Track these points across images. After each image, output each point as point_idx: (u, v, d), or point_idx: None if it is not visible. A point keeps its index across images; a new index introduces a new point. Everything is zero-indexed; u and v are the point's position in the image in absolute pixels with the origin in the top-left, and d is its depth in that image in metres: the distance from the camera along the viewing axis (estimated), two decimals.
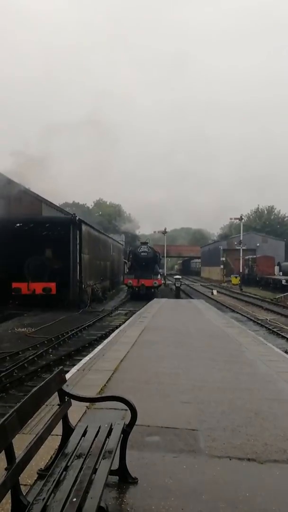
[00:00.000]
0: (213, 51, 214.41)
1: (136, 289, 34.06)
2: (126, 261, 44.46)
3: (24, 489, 3.35)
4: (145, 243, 38.32)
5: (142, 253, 36.32)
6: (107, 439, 3.54)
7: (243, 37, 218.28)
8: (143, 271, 34.76)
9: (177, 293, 35.47)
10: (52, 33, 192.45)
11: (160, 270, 41.51)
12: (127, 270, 39.54)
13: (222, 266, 68.56)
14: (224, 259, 68.06)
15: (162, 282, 43.67)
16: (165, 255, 59.09)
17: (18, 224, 28.03)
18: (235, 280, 54.70)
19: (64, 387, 3.82)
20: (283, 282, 41.57)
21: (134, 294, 34.31)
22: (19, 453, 2.77)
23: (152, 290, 34.16)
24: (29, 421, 3.49)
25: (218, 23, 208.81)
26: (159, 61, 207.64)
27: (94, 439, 3.52)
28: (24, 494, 3.06)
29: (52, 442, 3.92)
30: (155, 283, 34.34)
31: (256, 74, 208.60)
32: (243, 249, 54.04)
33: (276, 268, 53.55)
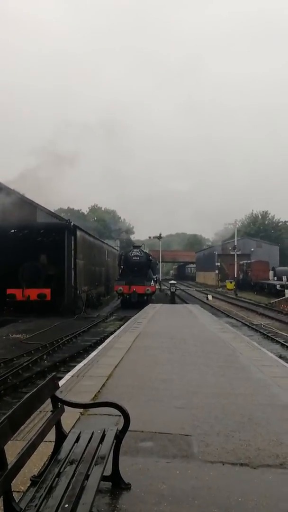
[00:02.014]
0: (224, 56, 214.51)
1: (127, 296, 31.41)
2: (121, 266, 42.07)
3: (17, 496, 3.35)
4: (137, 247, 35.49)
5: (134, 257, 33.44)
6: (100, 445, 3.55)
7: (255, 42, 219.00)
8: (135, 276, 32.00)
9: (172, 298, 35.33)
10: (56, 41, 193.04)
11: (155, 276, 38.13)
12: (118, 276, 35.74)
13: (217, 271, 68.74)
14: (219, 264, 68.23)
15: (157, 287, 43.13)
16: (160, 260, 59.15)
17: (12, 230, 28.00)
18: (230, 285, 54.86)
19: (57, 393, 3.83)
20: (278, 287, 41.74)
21: (125, 302, 31.72)
22: (12, 460, 2.79)
23: (145, 297, 31.42)
24: (22, 427, 3.49)
25: (228, 27, 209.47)
26: (169, 66, 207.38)
27: (87, 445, 3.53)
28: (17, 501, 3.06)
29: (46, 449, 3.93)
30: (147, 290, 31.59)
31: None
32: (237, 254, 54.24)
33: (271, 273, 53.76)
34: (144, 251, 35.12)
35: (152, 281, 33.04)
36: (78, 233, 28.86)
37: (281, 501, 3.66)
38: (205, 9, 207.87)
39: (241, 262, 58.34)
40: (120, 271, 35.30)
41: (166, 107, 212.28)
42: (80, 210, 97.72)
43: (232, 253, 54.96)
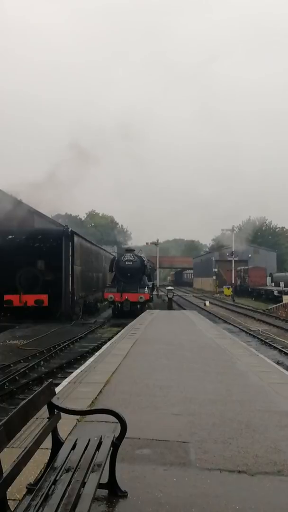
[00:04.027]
0: (235, 61, 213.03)
1: (119, 305, 28.74)
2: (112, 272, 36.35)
3: (13, 504, 3.32)
4: (130, 250, 32.55)
5: (126, 262, 30.43)
6: (97, 452, 3.52)
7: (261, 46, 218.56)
8: (128, 283, 29.37)
9: (170, 304, 35.16)
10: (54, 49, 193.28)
11: (150, 283, 35.05)
12: (109, 283, 32.72)
13: (214, 277, 68.76)
14: (216, 270, 68.29)
15: (155, 293, 42.61)
16: (157, 266, 59.10)
17: (10, 236, 27.97)
18: (228, 291, 54.91)
19: (54, 400, 3.80)
20: (275, 293, 41.77)
21: (116, 311, 29.16)
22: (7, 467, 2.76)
23: (138, 306, 28.63)
24: (18, 435, 3.47)
25: (236, 30, 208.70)
26: (176, 73, 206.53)
27: (83, 453, 3.50)
28: (13, 509, 3.04)
29: (42, 456, 3.90)
30: (141, 297, 28.74)
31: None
32: (235, 260, 54.28)
33: (268, 279, 53.89)
34: (139, 255, 32.38)
35: (147, 288, 30.10)
36: (76, 239, 28.85)
37: (279, 509, 3.64)
38: (207, 14, 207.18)
39: (239, 268, 58.41)
40: (112, 277, 32.44)
41: (171, 113, 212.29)
42: (78, 216, 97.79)
43: (229, 259, 55.00)
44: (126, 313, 27.16)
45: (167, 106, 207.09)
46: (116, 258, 32.47)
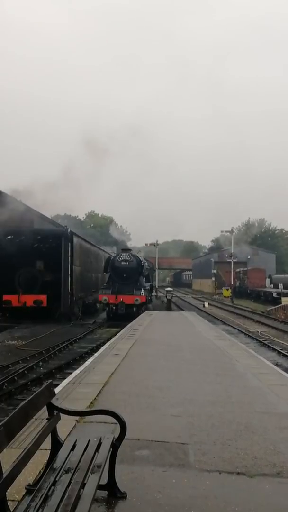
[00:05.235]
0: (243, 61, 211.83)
1: (113, 307, 27.06)
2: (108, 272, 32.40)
3: (12, 505, 3.32)
4: (126, 250, 30.45)
5: (122, 262, 28.73)
6: (96, 453, 3.52)
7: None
8: (123, 284, 27.80)
9: (169, 306, 35.12)
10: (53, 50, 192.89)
11: (147, 284, 33.11)
12: (104, 284, 30.77)
13: (213, 279, 68.76)
14: (215, 271, 68.28)
15: (154, 295, 42.53)
16: (156, 267, 59.07)
17: (9, 237, 27.97)
18: (227, 292, 54.97)
19: (53, 401, 3.80)
20: (274, 294, 41.81)
21: (111, 314, 27.33)
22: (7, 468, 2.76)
23: (134, 308, 26.83)
24: (18, 435, 3.46)
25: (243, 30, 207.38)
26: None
27: (83, 454, 3.49)
28: (12, 510, 3.04)
29: (41, 457, 3.90)
30: (136, 300, 26.98)
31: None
32: (234, 262, 54.29)
33: (267, 280, 53.87)
34: (135, 255, 30.79)
35: (143, 290, 28.40)
36: (75, 239, 28.84)
37: (278, 511, 3.64)
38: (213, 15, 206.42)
39: (238, 270, 58.45)
40: (107, 278, 30.58)
41: (173, 112, 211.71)
42: (77, 216, 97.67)
43: (228, 260, 55.02)
44: (121, 316, 25.58)
45: (169, 106, 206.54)
46: (111, 258, 31.01)
